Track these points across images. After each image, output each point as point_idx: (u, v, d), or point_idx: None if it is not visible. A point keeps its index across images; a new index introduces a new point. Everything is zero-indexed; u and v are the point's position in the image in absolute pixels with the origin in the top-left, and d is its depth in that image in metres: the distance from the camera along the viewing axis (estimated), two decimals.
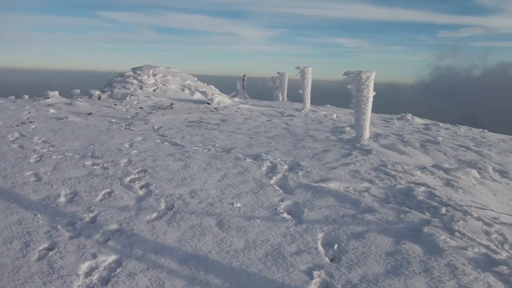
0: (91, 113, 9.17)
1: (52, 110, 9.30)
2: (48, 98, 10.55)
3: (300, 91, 12.08)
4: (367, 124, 6.81)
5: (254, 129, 8.21)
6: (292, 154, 5.96)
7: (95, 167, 5.11)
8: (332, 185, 4.56)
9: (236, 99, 14.21)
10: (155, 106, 11.08)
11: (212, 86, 15.13)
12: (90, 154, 5.70)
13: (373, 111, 7.08)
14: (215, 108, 11.45)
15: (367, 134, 6.92)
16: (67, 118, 8.23)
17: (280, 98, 16.83)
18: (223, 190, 4.37)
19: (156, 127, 8.04)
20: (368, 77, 6.48)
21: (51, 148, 5.95)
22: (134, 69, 14.43)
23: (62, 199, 4.03)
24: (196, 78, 15.16)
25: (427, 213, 3.84)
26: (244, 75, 19.11)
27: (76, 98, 11.61)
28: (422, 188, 4.46)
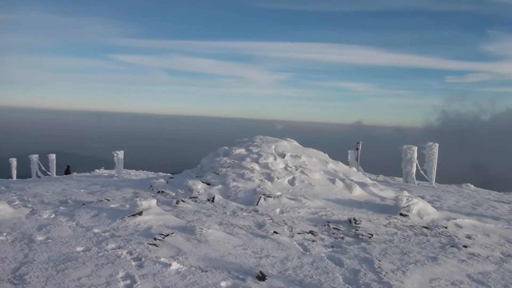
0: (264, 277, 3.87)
1: (174, 265, 3.95)
2: (141, 214, 5.25)
3: None
4: None
5: None
6: None
7: None
8: None
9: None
10: (326, 223, 5.80)
11: (361, 172, 9.80)
12: None
13: None
14: (425, 227, 6.10)
15: None
16: None
17: (411, 177, 12.14)
18: None
19: None
20: None
21: None
22: (242, 142, 9.17)
23: None
24: (327, 155, 9.91)
25: None
26: (359, 143, 14.20)
27: (178, 202, 6.37)
28: None
